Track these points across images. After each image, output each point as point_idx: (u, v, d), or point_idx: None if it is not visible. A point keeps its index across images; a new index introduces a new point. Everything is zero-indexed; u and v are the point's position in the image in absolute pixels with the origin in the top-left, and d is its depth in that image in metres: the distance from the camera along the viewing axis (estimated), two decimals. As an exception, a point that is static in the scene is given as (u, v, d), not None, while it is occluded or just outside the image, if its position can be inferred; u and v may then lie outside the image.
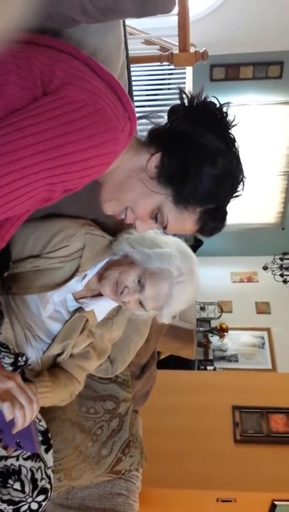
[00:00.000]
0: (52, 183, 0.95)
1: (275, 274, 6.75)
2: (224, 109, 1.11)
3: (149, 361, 2.27)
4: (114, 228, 1.62)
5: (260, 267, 6.86)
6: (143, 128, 1.20)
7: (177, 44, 3.22)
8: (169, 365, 4.32)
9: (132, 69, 1.86)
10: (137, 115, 1.15)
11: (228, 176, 1.10)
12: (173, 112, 1.13)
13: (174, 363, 4.48)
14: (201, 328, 6.44)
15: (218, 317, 6.67)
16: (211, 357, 6.34)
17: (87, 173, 1.00)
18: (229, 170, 1.10)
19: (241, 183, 1.14)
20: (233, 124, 1.11)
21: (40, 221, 1.52)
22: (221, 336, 6.42)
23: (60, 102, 0.95)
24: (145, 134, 1.18)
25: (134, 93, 2.19)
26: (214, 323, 6.59)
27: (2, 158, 0.89)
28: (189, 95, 1.12)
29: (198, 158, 1.07)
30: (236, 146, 1.12)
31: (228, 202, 1.17)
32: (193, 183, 1.08)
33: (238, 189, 1.15)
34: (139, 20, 3.54)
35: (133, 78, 1.82)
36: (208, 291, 6.40)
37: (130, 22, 3.45)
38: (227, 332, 6.41)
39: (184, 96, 1.11)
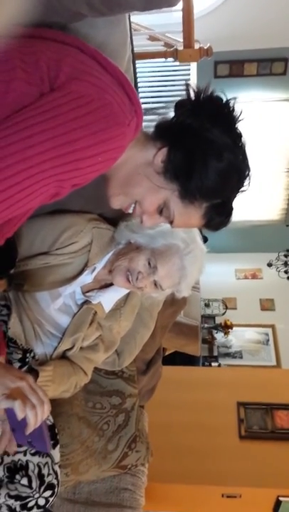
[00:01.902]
0: (61, 180, 0.96)
1: (279, 271, 6.76)
2: (231, 104, 1.10)
3: (155, 357, 2.27)
4: (118, 220, 1.62)
5: (264, 264, 6.87)
6: (148, 124, 1.20)
7: (182, 40, 3.21)
8: (174, 362, 4.32)
9: (136, 65, 1.86)
10: (143, 109, 1.15)
11: (234, 170, 1.10)
12: (179, 106, 1.13)
13: (179, 359, 4.48)
14: (206, 325, 6.45)
15: (223, 314, 6.68)
16: (215, 353, 6.36)
17: (96, 169, 1.00)
18: (235, 165, 1.09)
19: (247, 178, 1.14)
20: (240, 118, 1.11)
21: (47, 217, 1.52)
22: (226, 333, 6.43)
23: (67, 98, 0.95)
24: (151, 128, 1.17)
25: (139, 89, 2.19)
26: (219, 320, 6.61)
27: (11, 158, 0.89)
28: (196, 90, 1.11)
29: (204, 153, 1.06)
30: (243, 141, 1.12)
31: (235, 197, 1.16)
32: (199, 177, 1.07)
33: (244, 184, 1.14)
34: (143, 17, 3.54)
35: (138, 74, 1.82)
36: (213, 288, 6.41)
37: (135, 18, 3.44)
38: (231, 328, 6.43)
39: (191, 90, 1.11)
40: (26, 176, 0.91)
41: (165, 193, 1.12)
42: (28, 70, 0.97)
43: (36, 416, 1.18)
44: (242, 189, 1.15)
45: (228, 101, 1.10)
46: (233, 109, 1.10)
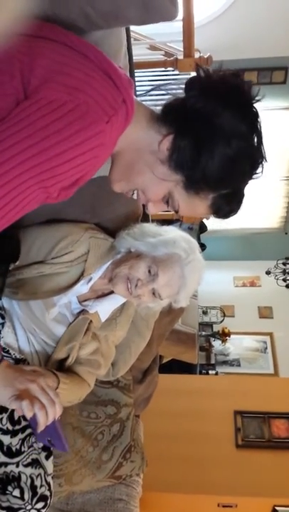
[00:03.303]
0: (44, 187, 0.95)
1: (277, 279, 6.76)
2: (246, 84, 1.04)
3: (151, 365, 2.26)
4: (116, 231, 1.62)
5: (263, 272, 6.86)
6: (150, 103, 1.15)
7: (182, 49, 3.22)
8: (171, 370, 4.32)
9: (136, 74, 1.86)
10: (151, 87, 1.11)
11: (244, 159, 1.05)
12: (190, 85, 1.07)
13: (176, 367, 4.48)
14: (204, 333, 6.44)
15: (221, 321, 6.67)
16: (213, 361, 6.34)
17: (77, 171, 0.98)
18: (247, 152, 1.04)
19: (261, 165, 1.08)
20: (256, 99, 1.04)
21: (44, 227, 1.52)
22: (223, 341, 6.42)
23: (38, 105, 0.93)
24: (159, 107, 1.12)
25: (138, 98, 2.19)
26: (216, 328, 6.59)
27: None
28: (208, 69, 1.05)
29: (211, 141, 1.01)
30: (258, 124, 1.05)
31: (246, 184, 1.11)
32: (205, 168, 1.03)
33: (258, 172, 1.09)
34: (143, 26, 3.55)
35: (137, 83, 1.82)
36: (211, 296, 6.40)
37: (135, 28, 3.46)
38: (229, 336, 6.41)
39: (201, 70, 1.05)
40: (6, 191, 0.91)
41: (169, 184, 1.09)
42: (2, 79, 0.96)
43: (46, 415, 1.22)
44: (255, 176, 1.10)
45: (242, 81, 1.04)
46: (249, 90, 1.04)
